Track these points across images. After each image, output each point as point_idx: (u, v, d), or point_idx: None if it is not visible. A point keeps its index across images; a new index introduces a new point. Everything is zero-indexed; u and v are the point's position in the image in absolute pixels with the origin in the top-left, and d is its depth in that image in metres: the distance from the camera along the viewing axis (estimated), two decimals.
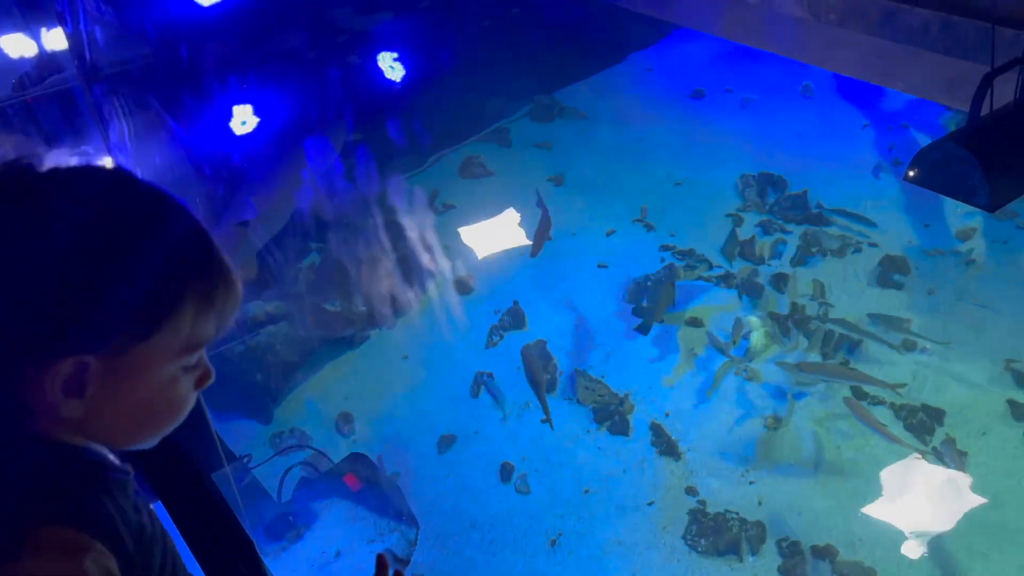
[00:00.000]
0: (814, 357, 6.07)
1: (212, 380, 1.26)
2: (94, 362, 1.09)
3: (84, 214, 1.08)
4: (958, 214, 6.93)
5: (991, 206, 3.23)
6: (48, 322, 1.05)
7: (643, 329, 6.35)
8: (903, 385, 5.70)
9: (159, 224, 1.13)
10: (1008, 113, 3.49)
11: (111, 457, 1.25)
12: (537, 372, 5.99)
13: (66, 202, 1.08)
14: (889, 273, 6.59)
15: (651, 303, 6.55)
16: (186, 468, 1.74)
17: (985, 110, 3.52)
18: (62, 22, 4.88)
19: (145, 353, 1.13)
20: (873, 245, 6.87)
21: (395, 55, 8.10)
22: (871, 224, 6.98)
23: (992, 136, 3.38)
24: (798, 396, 5.83)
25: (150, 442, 1.26)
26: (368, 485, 5.16)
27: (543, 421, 5.86)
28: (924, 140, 7.24)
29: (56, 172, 1.11)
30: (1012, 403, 5.54)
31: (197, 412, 1.30)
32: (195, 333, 1.16)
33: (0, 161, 1.11)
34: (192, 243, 1.16)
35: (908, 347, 6.02)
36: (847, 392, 5.78)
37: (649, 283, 6.76)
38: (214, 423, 4.99)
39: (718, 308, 6.59)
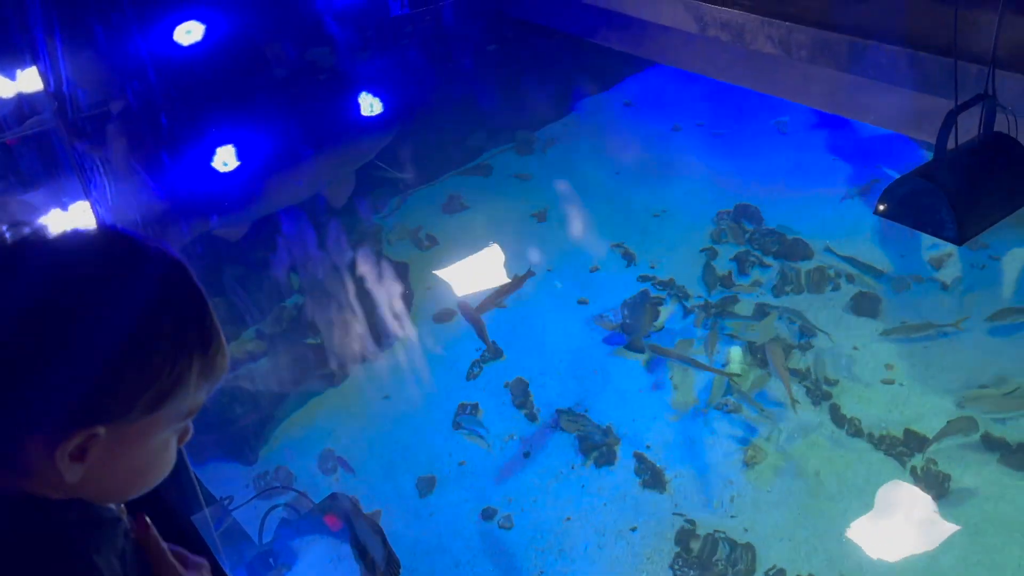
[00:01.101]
0: (796, 387, 6.11)
1: (191, 435, 1.29)
2: (103, 432, 1.11)
3: (103, 290, 1.09)
4: (931, 243, 7.03)
5: (959, 239, 3.30)
6: (72, 399, 1.07)
7: (632, 347, 6.55)
8: (739, 375, 6.14)
9: (172, 296, 1.15)
10: (973, 147, 3.58)
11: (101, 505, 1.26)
12: (474, 317, 6.50)
13: (84, 277, 1.10)
14: (865, 302, 6.67)
15: (635, 322, 6.69)
16: (164, 511, 1.74)
17: (951, 144, 3.61)
18: (38, 63, 4.90)
19: (150, 422, 1.15)
20: (850, 279, 6.95)
21: (375, 93, 8.16)
22: (878, 273, 6.95)
23: (958, 170, 3.46)
24: (779, 424, 5.87)
25: (134, 496, 1.28)
26: (349, 524, 5.12)
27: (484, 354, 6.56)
28: (896, 172, 7.37)
29: (70, 243, 1.13)
30: (988, 429, 5.60)
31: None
32: (195, 401, 1.20)
33: (7, 231, 1.11)
34: (198, 313, 1.18)
35: (887, 381, 6.09)
36: (827, 420, 5.84)
37: (626, 310, 6.85)
38: (196, 465, 4.96)
39: (697, 339, 6.63)
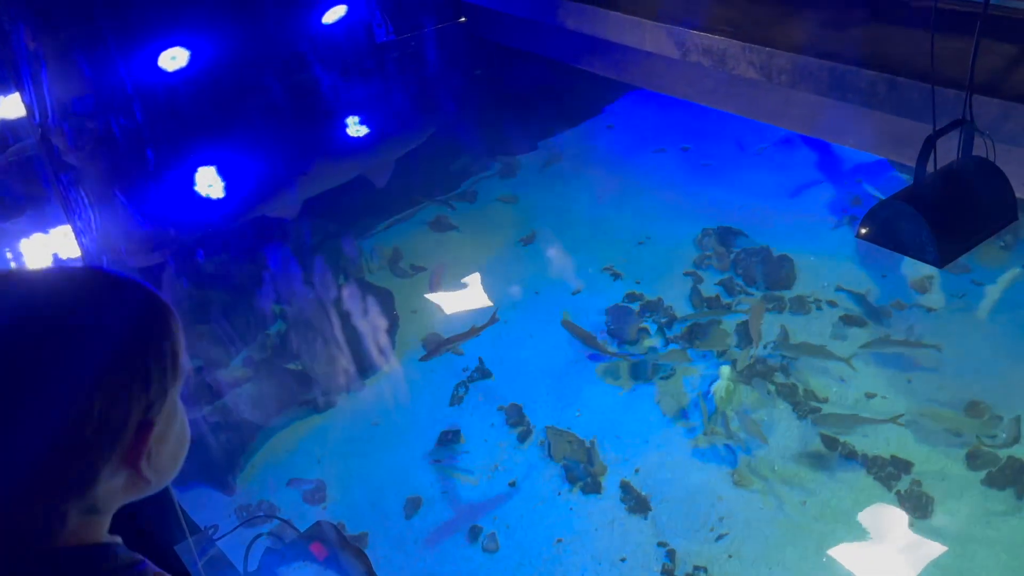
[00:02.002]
0: (782, 406, 6.13)
1: None
2: (156, 425, 1.29)
3: (127, 315, 1.27)
4: (914, 266, 7.08)
5: (939, 262, 3.34)
6: (134, 413, 1.24)
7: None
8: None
9: (147, 296, 1.33)
10: (952, 171, 3.63)
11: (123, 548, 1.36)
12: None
13: (109, 310, 1.26)
14: (849, 325, 6.71)
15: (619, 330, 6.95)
16: (148, 542, 1.74)
17: (930, 168, 3.66)
18: (21, 92, 4.90)
19: (171, 397, 1.33)
20: (832, 304, 6.99)
21: (361, 117, 8.22)
22: (881, 312, 6.90)
23: (938, 194, 3.51)
24: (764, 448, 5.88)
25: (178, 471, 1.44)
26: (335, 552, 5.07)
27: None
28: (878, 195, 7.45)
29: (63, 283, 1.27)
30: (972, 450, 5.63)
31: None
32: (185, 364, 1.37)
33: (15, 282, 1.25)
34: (164, 302, 1.35)
35: (870, 396, 6.12)
36: (814, 440, 5.86)
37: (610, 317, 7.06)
38: (178, 492, 4.91)
39: (682, 355, 6.66)
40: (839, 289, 7.07)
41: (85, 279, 1.29)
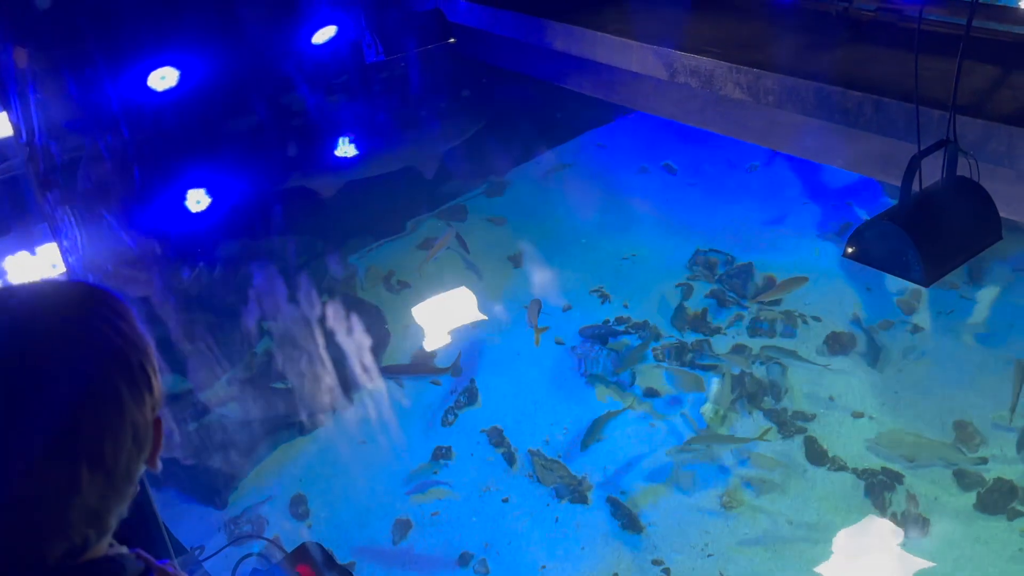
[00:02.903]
0: (770, 424, 6.14)
1: None
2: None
3: (123, 327, 1.31)
4: (901, 284, 7.12)
5: (925, 281, 3.36)
6: (150, 414, 1.31)
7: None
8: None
9: (125, 308, 1.36)
10: (937, 191, 3.67)
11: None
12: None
13: (112, 322, 1.29)
14: (837, 343, 6.73)
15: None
16: None
17: (916, 188, 3.70)
18: (8, 111, 4.89)
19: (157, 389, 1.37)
20: (817, 319, 7.02)
21: (349, 137, 8.24)
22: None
23: (923, 214, 3.54)
24: (753, 464, 5.87)
25: None
26: (322, 574, 5.03)
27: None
28: (865, 214, 7.51)
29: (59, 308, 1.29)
30: (961, 466, 5.64)
31: (142, 502, 1.38)
32: None
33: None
34: (127, 303, 1.39)
35: (857, 415, 6.14)
36: (803, 457, 5.86)
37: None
38: (165, 511, 4.87)
39: (673, 371, 6.67)
40: (853, 320, 6.99)
41: (55, 293, 1.30)
